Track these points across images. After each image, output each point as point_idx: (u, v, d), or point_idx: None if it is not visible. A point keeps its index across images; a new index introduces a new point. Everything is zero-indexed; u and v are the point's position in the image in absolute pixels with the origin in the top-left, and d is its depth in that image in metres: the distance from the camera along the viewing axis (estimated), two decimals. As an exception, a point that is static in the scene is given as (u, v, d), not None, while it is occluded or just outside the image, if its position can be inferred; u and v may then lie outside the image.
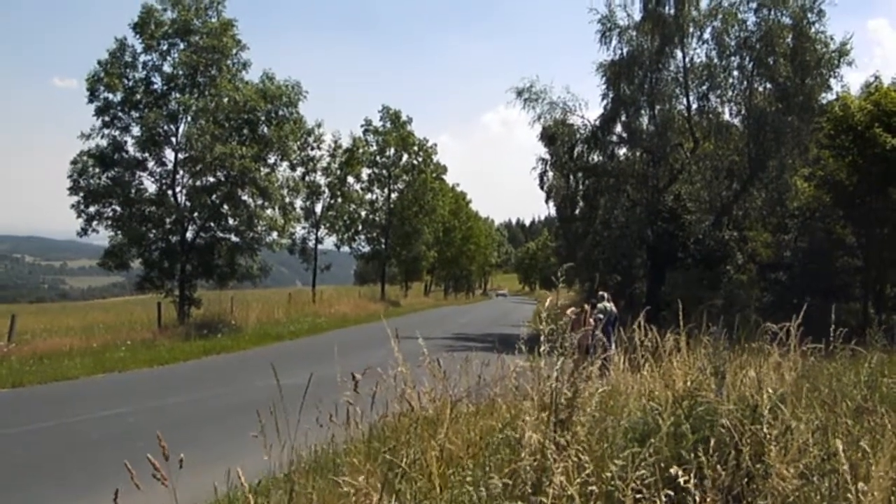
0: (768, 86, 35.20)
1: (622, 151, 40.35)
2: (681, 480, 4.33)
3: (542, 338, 5.34)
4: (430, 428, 5.74)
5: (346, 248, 62.98)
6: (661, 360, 7.97)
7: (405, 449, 5.26)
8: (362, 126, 63.04)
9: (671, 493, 4.46)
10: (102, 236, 31.63)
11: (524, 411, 5.26)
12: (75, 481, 10.00)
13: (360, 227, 62.76)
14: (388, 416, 7.00)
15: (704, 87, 36.35)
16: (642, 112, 37.94)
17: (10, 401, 16.71)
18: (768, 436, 5.01)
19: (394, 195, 64.97)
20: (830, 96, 33.57)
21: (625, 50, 37.01)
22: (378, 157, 63.37)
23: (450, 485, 4.83)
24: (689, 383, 6.47)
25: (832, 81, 34.00)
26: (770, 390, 5.42)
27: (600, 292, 19.45)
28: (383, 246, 64.64)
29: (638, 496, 4.46)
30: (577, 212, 43.45)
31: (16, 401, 16.72)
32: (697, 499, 4.43)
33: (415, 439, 5.54)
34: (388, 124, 63.46)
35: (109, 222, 30.78)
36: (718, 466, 4.73)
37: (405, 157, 64.80)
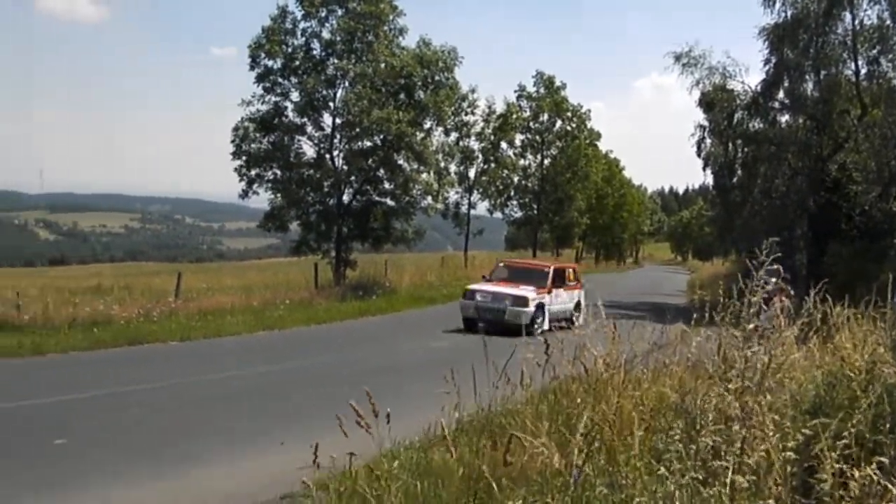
0: (947, 48, 33.11)
1: (784, 118, 38.71)
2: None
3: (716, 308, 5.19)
4: (602, 391, 5.67)
5: (498, 214, 62.91)
6: (828, 333, 7.68)
7: (579, 411, 5.20)
8: (516, 92, 62.29)
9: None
10: (257, 200, 32.71)
11: (725, 379, 5.13)
12: (234, 433, 10.33)
13: (512, 193, 62.38)
14: (560, 379, 6.96)
15: (875, 51, 34.26)
16: (806, 77, 36.23)
17: (180, 353, 17.66)
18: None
19: (547, 161, 64.13)
20: None
21: (789, 12, 35.35)
22: (531, 123, 62.62)
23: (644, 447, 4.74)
24: (865, 357, 6.18)
25: None
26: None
27: (776, 265, 18.83)
28: (535, 212, 64.25)
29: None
30: (734, 180, 42.10)
31: (184, 353, 17.64)
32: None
33: (590, 401, 5.48)
34: (542, 90, 62.55)
35: (269, 185, 31.71)
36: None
37: (559, 123, 63.76)
